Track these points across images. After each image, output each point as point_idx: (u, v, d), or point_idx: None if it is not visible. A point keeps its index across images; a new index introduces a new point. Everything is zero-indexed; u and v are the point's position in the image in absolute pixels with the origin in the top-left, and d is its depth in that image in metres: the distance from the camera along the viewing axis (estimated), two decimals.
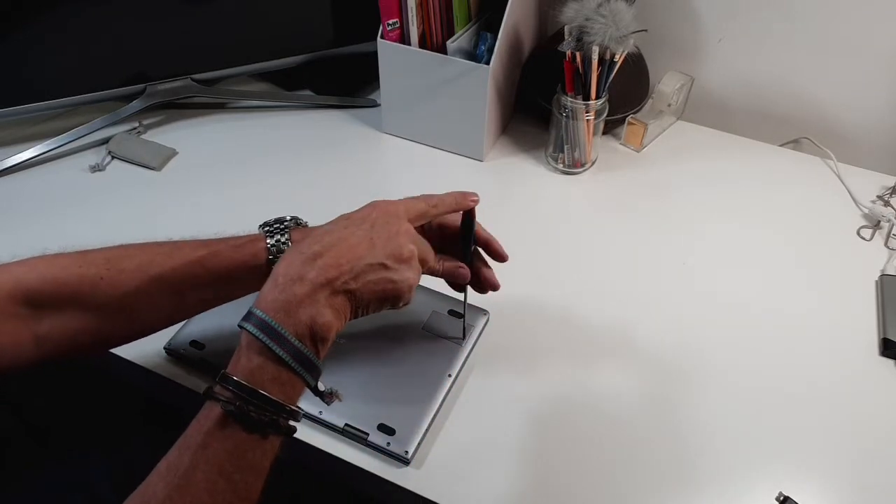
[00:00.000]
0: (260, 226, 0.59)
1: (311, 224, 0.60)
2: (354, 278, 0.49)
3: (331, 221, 0.54)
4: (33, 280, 0.52)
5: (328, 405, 0.51)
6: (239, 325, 0.47)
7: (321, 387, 0.49)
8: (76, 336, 0.54)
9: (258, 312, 0.46)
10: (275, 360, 0.45)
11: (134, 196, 0.87)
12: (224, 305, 0.71)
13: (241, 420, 0.44)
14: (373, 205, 0.55)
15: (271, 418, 0.45)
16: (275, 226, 0.58)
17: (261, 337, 0.45)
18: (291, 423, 0.47)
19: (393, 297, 0.52)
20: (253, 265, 0.56)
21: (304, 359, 0.46)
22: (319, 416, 0.62)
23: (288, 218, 0.59)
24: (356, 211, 0.55)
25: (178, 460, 0.44)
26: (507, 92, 0.95)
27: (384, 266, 0.50)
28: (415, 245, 0.54)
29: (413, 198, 0.59)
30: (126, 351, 0.67)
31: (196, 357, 0.66)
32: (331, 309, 0.48)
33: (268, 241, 0.57)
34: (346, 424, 0.61)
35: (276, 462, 0.47)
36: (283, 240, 0.57)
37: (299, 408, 0.47)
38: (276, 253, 0.56)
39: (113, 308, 0.54)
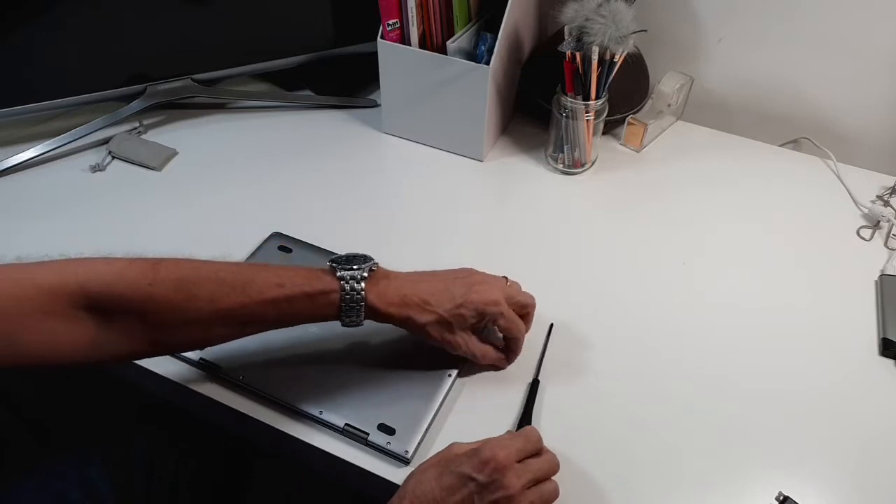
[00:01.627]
0: (329, 262, 0.58)
1: (382, 263, 0.60)
2: None
3: (438, 462, 0.54)
4: (99, 287, 0.51)
5: None
6: None
7: None
8: (133, 345, 0.54)
9: None
10: None
11: (134, 196, 0.87)
12: None
13: None
14: (480, 458, 0.52)
15: None
16: (347, 268, 0.58)
17: None
18: None
19: None
20: (325, 314, 0.58)
21: None
22: (319, 416, 0.62)
23: (361, 259, 0.59)
24: (459, 457, 0.53)
25: None
26: (507, 92, 0.95)
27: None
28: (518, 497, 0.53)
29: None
30: None
31: (196, 356, 0.66)
32: None
33: (343, 293, 0.57)
34: (347, 424, 0.61)
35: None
36: (358, 289, 0.57)
37: None
38: (350, 302, 0.57)
39: (176, 329, 0.54)
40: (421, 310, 0.60)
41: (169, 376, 0.66)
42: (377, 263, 0.60)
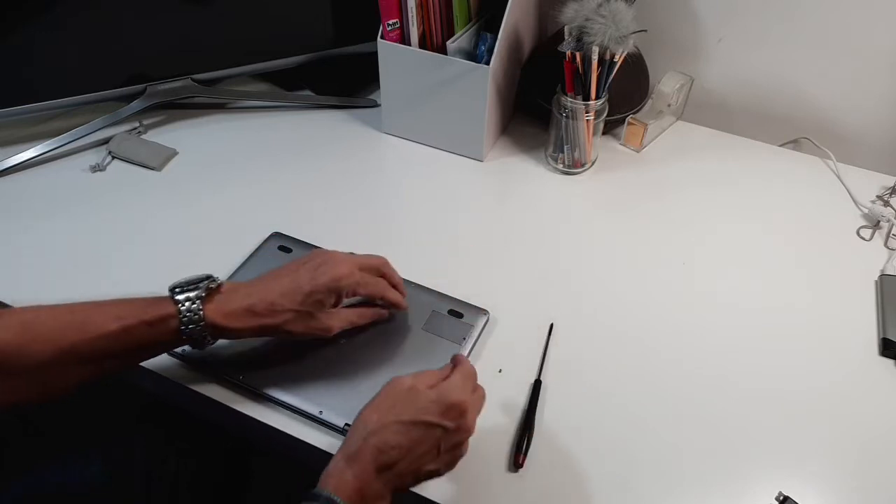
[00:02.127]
0: (170, 288, 0.59)
1: (223, 278, 0.61)
2: (415, 481, 0.53)
3: (398, 394, 0.54)
4: None
5: None
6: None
7: None
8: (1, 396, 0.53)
9: (337, 500, 0.48)
10: None
11: (134, 196, 0.87)
12: None
13: None
14: (445, 404, 0.53)
15: None
16: (185, 292, 0.58)
17: None
18: None
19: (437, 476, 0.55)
20: (167, 341, 0.58)
21: None
22: (319, 416, 0.62)
23: (199, 278, 0.59)
24: (420, 402, 0.53)
25: None
26: (507, 92, 0.95)
27: (438, 472, 0.54)
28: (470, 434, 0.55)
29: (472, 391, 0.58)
30: None
31: (197, 356, 0.66)
32: (389, 499, 0.52)
33: (181, 317, 0.57)
34: (346, 424, 0.61)
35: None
36: (195, 309, 0.57)
37: None
38: (188, 324, 0.57)
39: (23, 376, 0.53)
40: (272, 313, 0.59)
41: (169, 376, 0.66)
42: (218, 280, 0.60)
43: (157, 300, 0.58)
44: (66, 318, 0.55)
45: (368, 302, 0.68)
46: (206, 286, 0.58)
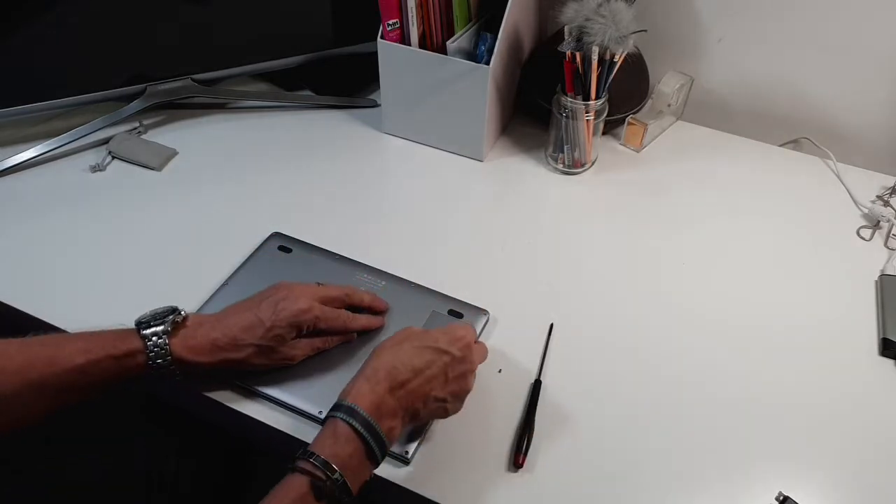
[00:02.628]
0: (136, 322, 0.59)
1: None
2: (424, 406, 0.57)
3: (408, 338, 0.59)
4: None
5: None
6: (336, 417, 0.53)
7: None
8: None
9: (362, 411, 0.53)
10: (367, 454, 0.52)
11: (134, 196, 0.87)
12: (224, 307, 0.71)
13: (324, 497, 0.50)
14: (453, 335, 0.60)
15: (345, 499, 0.51)
16: (152, 326, 0.58)
17: (364, 434, 0.52)
18: None
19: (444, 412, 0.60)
20: (134, 375, 0.58)
21: (383, 448, 0.53)
22: (319, 416, 0.62)
23: (165, 311, 0.59)
24: (431, 334, 0.60)
25: None
26: (507, 92, 0.95)
27: (444, 404, 0.58)
28: (474, 371, 0.61)
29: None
30: None
31: None
32: (401, 424, 0.56)
33: (148, 352, 0.57)
34: None
35: None
36: (161, 343, 0.58)
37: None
38: (156, 359, 0.57)
39: None
40: (235, 348, 0.60)
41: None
42: (183, 313, 0.60)
43: (125, 334, 0.58)
44: (34, 351, 0.55)
45: None
46: (172, 320, 0.59)
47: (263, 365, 0.62)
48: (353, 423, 0.52)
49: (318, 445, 0.51)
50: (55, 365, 0.55)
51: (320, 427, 0.62)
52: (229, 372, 0.62)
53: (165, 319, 0.59)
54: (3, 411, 0.54)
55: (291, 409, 0.63)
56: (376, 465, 0.53)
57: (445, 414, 0.59)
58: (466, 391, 0.59)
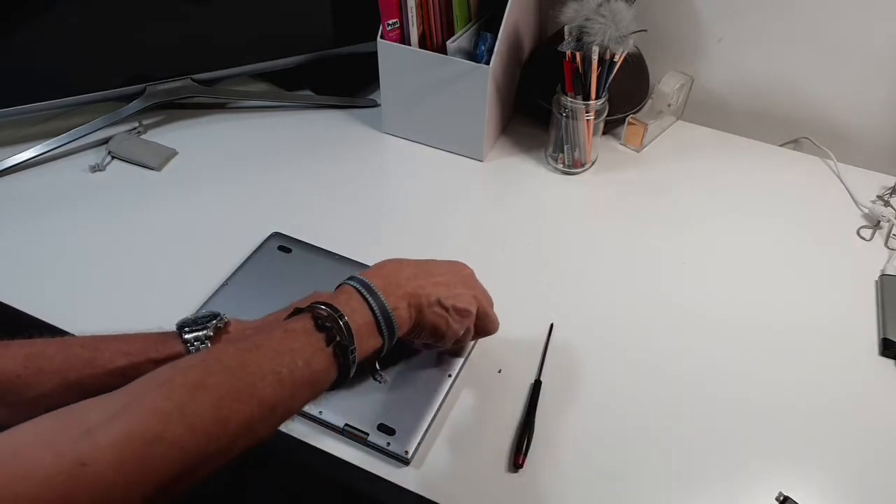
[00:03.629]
0: (178, 326, 0.58)
1: (235, 322, 0.60)
2: (429, 306, 0.58)
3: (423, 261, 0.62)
4: None
5: (378, 382, 0.60)
6: (345, 282, 0.56)
7: (377, 366, 0.58)
8: None
9: (367, 280, 0.55)
10: (369, 309, 0.54)
11: (134, 196, 0.87)
12: (221, 307, 0.71)
13: (326, 332, 0.50)
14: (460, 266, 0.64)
15: (346, 346, 0.51)
16: (194, 330, 0.57)
17: (363, 292, 0.54)
18: (348, 366, 0.52)
19: (441, 337, 0.60)
20: None
21: (389, 324, 0.54)
22: (319, 416, 0.62)
23: (207, 316, 0.58)
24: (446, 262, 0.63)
25: (246, 339, 0.49)
26: (507, 92, 0.95)
27: (447, 312, 0.59)
28: (476, 306, 0.62)
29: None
30: None
31: None
32: (407, 313, 0.56)
33: (188, 354, 0.55)
34: (347, 424, 0.61)
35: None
36: (203, 350, 0.56)
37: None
38: None
39: (24, 406, 0.53)
40: None
41: None
42: (225, 319, 0.59)
43: (165, 337, 0.57)
44: (75, 352, 0.55)
45: None
46: (215, 325, 0.58)
47: None
48: (354, 284, 0.54)
49: (319, 295, 0.53)
50: (95, 367, 0.54)
51: (320, 426, 0.62)
52: None
53: (208, 325, 0.57)
54: (40, 410, 0.54)
55: None
56: (382, 341, 0.54)
57: (447, 329, 0.59)
58: (468, 310, 0.60)
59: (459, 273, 0.62)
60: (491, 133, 0.94)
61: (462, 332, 0.61)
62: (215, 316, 0.58)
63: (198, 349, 0.56)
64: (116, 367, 0.54)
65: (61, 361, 0.54)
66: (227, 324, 0.59)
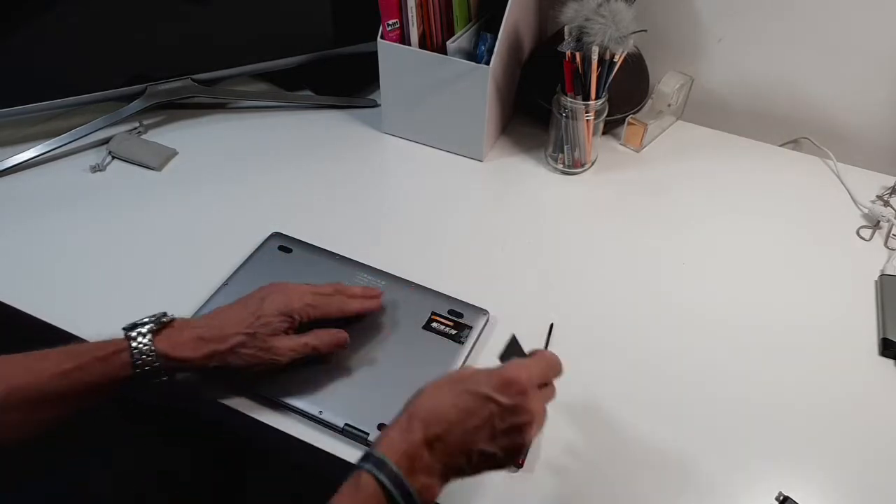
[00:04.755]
0: (123, 328, 0.59)
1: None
2: (468, 463, 0.49)
3: (451, 381, 0.51)
4: None
5: None
6: (362, 468, 0.47)
7: None
8: None
9: (391, 464, 0.46)
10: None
11: (134, 196, 0.87)
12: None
13: None
14: (501, 378, 0.50)
15: None
16: (137, 327, 0.58)
17: (391, 490, 0.46)
18: None
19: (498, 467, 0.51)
20: (119, 377, 0.57)
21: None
22: (319, 416, 0.62)
23: (148, 320, 0.59)
24: (476, 376, 0.51)
25: None
26: (507, 92, 0.95)
27: (495, 458, 0.50)
28: (535, 422, 0.51)
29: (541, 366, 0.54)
30: None
31: None
32: (441, 482, 0.49)
33: (132, 349, 0.57)
34: (347, 424, 0.61)
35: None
36: (145, 342, 0.57)
37: None
38: (140, 356, 0.57)
39: None
40: (221, 339, 0.59)
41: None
42: (171, 316, 0.60)
43: (110, 339, 0.58)
44: (18, 360, 0.55)
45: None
46: (158, 320, 0.59)
47: (250, 358, 0.60)
48: (380, 476, 0.46)
49: (336, 501, 0.47)
50: (41, 372, 0.54)
51: (320, 427, 0.62)
52: (219, 374, 0.61)
53: (151, 319, 0.59)
54: None
55: (291, 409, 0.63)
56: None
57: (499, 469, 0.51)
58: (521, 445, 0.50)
59: (502, 403, 0.49)
60: (491, 133, 0.94)
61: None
62: (162, 314, 0.60)
63: (140, 342, 0.57)
64: (62, 369, 0.55)
65: (5, 370, 0.54)
66: (172, 320, 0.60)
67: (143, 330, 0.58)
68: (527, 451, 0.52)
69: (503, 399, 0.49)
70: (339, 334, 0.65)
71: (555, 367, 0.55)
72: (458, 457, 0.48)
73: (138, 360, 0.57)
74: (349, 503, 0.46)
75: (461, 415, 0.48)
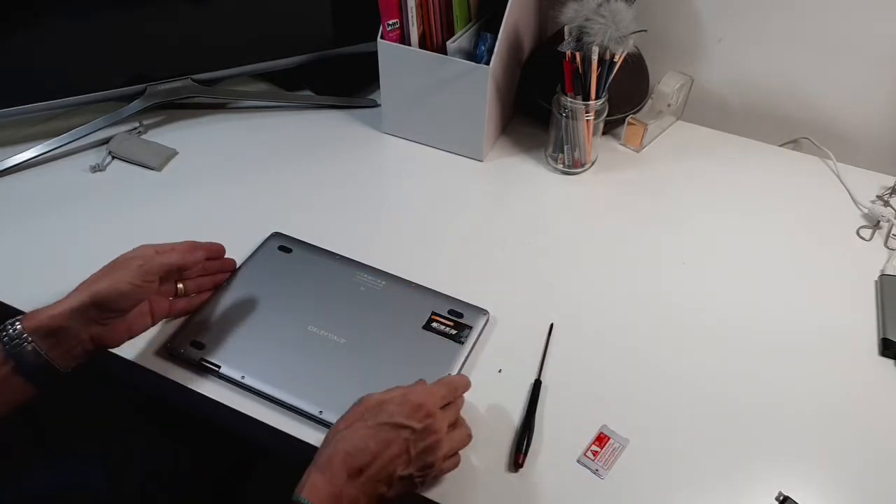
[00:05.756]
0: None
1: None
2: (389, 488, 0.53)
3: (362, 416, 0.55)
4: None
5: None
6: None
7: None
8: None
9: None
10: None
11: (134, 196, 0.87)
12: (223, 307, 0.71)
13: None
14: (411, 405, 0.55)
15: None
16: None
17: None
18: None
19: (414, 487, 0.55)
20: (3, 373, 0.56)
21: None
22: (319, 416, 0.62)
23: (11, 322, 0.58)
24: (386, 407, 0.55)
25: None
26: (507, 92, 0.95)
27: (412, 480, 0.54)
28: (444, 440, 0.56)
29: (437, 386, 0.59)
30: (126, 351, 0.67)
31: (196, 357, 0.66)
32: None
33: (1, 335, 0.56)
34: None
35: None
36: (11, 322, 0.57)
37: None
38: (10, 340, 0.56)
39: None
40: (78, 290, 0.60)
41: (169, 376, 0.66)
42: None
43: None
44: None
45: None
46: (29, 312, 0.58)
47: (116, 293, 0.59)
48: None
49: None
50: None
51: (320, 426, 0.62)
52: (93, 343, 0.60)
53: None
54: None
55: (291, 408, 0.63)
56: None
57: (418, 489, 0.56)
58: (433, 464, 0.54)
59: (414, 428, 0.54)
60: (491, 133, 0.94)
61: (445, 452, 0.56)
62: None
63: (5, 326, 0.56)
64: None
65: None
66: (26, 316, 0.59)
67: (11, 320, 0.57)
68: (437, 469, 0.56)
69: (414, 424, 0.54)
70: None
71: (459, 388, 0.60)
72: (380, 485, 0.52)
73: (10, 342, 0.56)
74: None
75: (380, 446, 0.52)
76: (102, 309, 0.59)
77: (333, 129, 1.00)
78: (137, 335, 0.66)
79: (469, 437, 0.59)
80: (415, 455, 0.53)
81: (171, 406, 0.75)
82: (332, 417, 0.61)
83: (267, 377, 0.65)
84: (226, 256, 0.75)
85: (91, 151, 0.94)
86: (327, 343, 0.68)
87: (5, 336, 0.56)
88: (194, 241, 0.69)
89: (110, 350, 0.64)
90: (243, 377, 0.65)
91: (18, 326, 0.57)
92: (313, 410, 0.62)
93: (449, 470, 0.58)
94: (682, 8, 0.96)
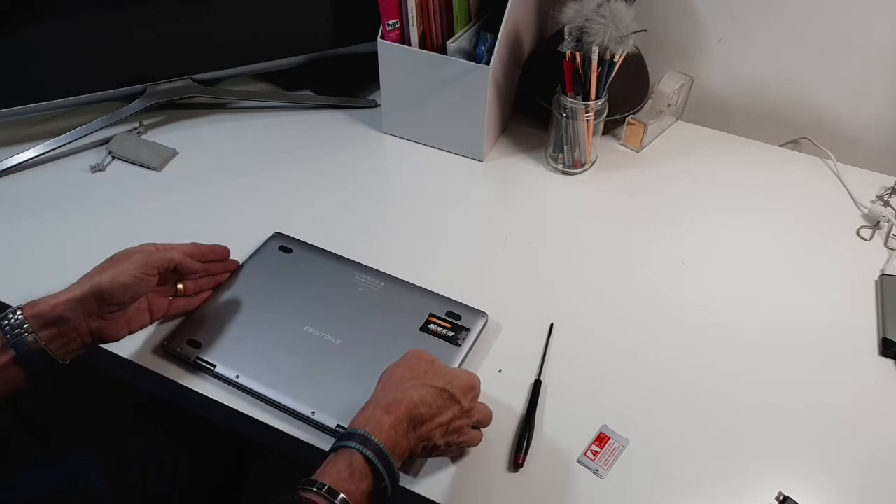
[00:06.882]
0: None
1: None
2: (423, 450, 0.55)
3: (425, 365, 0.57)
4: None
5: None
6: (352, 448, 0.50)
7: None
8: None
9: (383, 448, 0.51)
10: (378, 490, 0.50)
11: (134, 196, 0.87)
12: (222, 306, 0.71)
13: None
14: (465, 382, 0.57)
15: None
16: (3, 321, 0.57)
17: (381, 472, 0.50)
18: None
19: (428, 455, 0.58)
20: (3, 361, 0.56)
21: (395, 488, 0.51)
22: (312, 417, 0.62)
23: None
24: (447, 376, 0.57)
25: None
26: (507, 92, 0.95)
27: (437, 447, 0.56)
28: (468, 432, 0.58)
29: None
30: (123, 349, 0.67)
31: (192, 356, 0.66)
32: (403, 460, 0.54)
33: (2, 324, 0.56)
34: (338, 425, 0.61)
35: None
36: (12, 311, 0.57)
37: None
38: (12, 329, 0.56)
39: None
40: (87, 278, 0.60)
41: (165, 374, 0.66)
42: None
43: None
44: None
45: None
46: (28, 301, 0.58)
47: (117, 283, 0.60)
48: (373, 458, 0.50)
49: (331, 476, 0.49)
50: None
51: (316, 428, 0.62)
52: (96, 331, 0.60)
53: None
54: None
55: (285, 409, 0.63)
56: (383, 502, 0.51)
57: (430, 456, 0.58)
58: (453, 443, 0.57)
59: (463, 406, 0.57)
60: (491, 133, 0.94)
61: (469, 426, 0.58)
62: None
63: (6, 315, 0.56)
64: None
65: None
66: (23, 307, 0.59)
67: (10, 309, 0.57)
68: (447, 451, 0.58)
69: (465, 402, 0.56)
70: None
71: (478, 387, 0.61)
72: (421, 444, 0.54)
73: (12, 331, 0.56)
74: (345, 481, 0.48)
75: (439, 410, 0.55)
76: (103, 301, 0.60)
77: (333, 129, 1.00)
78: (136, 331, 0.66)
79: (480, 439, 0.60)
80: (451, 429, 0.55)
81: (171, 406, 0.75)
82: (324, 419, 0.62)
83: (261, 377, 0.64)
84: (229, 257, 0.75)
85: (91, 151, 0.94)
86: (323, 343, 0.68)
87: (6, 325, 0.56)
88: (198, 243, 0.69)
89: (108, 347, 0.64)
90: (238, 377, 0.65)
91: (20, 315, 0.57)
92: (306, 411, 0.62)
93: (448, 456, 0.60)
94: (682, 8, 0.96)
